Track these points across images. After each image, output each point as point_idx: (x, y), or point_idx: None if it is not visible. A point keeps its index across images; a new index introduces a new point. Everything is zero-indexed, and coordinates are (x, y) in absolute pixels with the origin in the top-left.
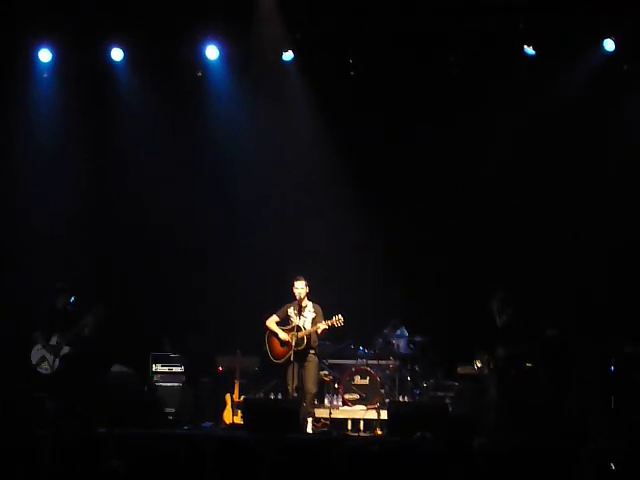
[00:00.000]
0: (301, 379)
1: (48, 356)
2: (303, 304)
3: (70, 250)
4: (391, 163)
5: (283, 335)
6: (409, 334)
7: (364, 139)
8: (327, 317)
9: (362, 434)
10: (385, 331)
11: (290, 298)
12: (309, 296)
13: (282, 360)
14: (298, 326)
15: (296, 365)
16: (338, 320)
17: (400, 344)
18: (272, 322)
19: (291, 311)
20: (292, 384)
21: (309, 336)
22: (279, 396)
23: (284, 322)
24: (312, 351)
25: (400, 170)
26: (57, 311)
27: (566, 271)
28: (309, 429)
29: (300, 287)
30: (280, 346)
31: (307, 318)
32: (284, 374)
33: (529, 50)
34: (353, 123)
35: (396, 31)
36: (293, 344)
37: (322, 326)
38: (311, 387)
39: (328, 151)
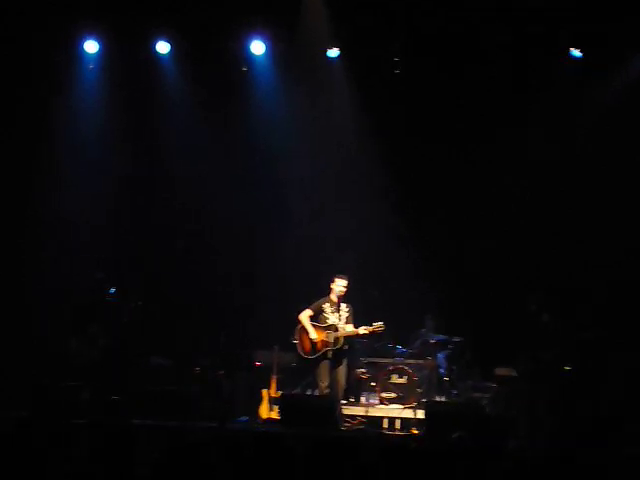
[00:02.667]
0: (334, 377)
1: (86, 346)
2: (340, 302)
3: (108, 245)
4: (431, 162)
5: (314, 335)
6: (448, 335)
7: (406, 138)
8: (365, 321)
9: (398, 433)
10: (423, 330)
11: (324, 293)
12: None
13: (313, 356)
14: (334, 325)
15: (329, 363)
16: (379, 327)
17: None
18: (306, 317)
19: (327, 307)
20: (325, 381)
21: (347, 337)
22: (316, 392)
23: (316, 317)
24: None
25: (440, 169)
26: (96, 301)
27: (602, 275)
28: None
29: (342, 285)
30: (309, 342)
31: (342, 317)
32: (314, 370)
33: (576, 52)
34: (395, 121)
35: (442, 31)
36: (332, 342)
37: (363, 330)
38: (344, 384)
39: (369, 149)
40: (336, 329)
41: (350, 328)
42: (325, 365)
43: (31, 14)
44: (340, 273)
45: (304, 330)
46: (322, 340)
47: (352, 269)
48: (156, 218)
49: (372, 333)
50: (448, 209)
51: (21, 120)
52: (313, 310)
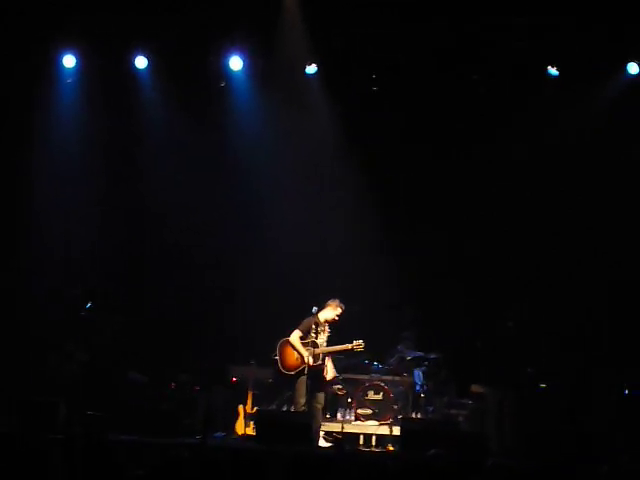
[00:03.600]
0: (313, 393)
1: (63, 361)
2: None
3: (88, 259)
4: (411, 178)
5: (306, 355)
6: (424, 352)
7: (385, 153)
8: (344, 337)
9: (374, 449)
10: (399, 347)
11: (303, 310)
12: None
13: (293, 372)
14: (315, 342)
15: (306, 380)
16: (359, 345)
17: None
18: (296, 338)
19: (313, 327)
20: (303, 398)
21: (326, 354)
22: (292, 409)
23: (304, 337)
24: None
25: (419, 184)
26: (75, 317)
27: (582, 294)
28: (322, 443)
29: (339, 312)
30: (295, 359)
31: (324, 336)
32: (294, 386)
33: (553, 71)
34: (374, 137)
35: (419, 47)
36: (310, 361)
37: (341, 348)
38: (322, 401)
39: (349, 164)
40: (315, 345)
41: (324, 344)
42: (303, 381)
43: (8, 29)
44: (341, 300)
45: (287, 347)
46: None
47: (328, 285)
48: (135, 233)
49: (351, 350)
50: (428, 224)
51: None
52: (302, 331)
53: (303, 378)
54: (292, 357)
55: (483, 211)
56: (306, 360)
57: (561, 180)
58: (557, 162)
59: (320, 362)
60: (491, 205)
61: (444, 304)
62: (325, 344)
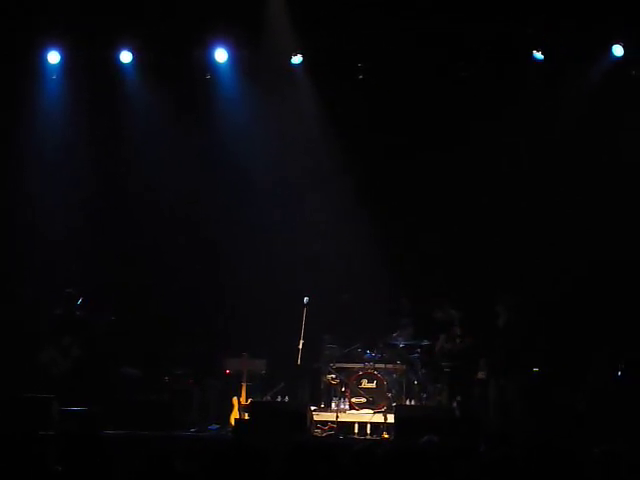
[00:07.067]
0: None
1: (58, 357)
2: None
3: (78, 254)
4: (397, 167)
5: None
6: (417, 338)
7: (371, 142)
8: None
9: (369, 438)
10: (394, 334)
11: (298, 302)
12: None
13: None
14: None
15: None
16: None
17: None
18: None
19: None
20: None
21: None
22: (286, 399)
23: None
24: None
25: (406, 174)
26: (67, 315)
27: (576, 276)
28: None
29: None
30: None
31: None
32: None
33: (538, 55)
34: (360, 126)
35: (404, 35)
36: None
37: None
38: None
39: (335, 154)
40: None
41: None
42: None
43: None
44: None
45: None
46: None
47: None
48: (124, 228)
49: None
50: (419, 212)
51: None
52: None
53: None
54: None
55: (473, 201)
56: None
57: (548, 165)
58: (544, 148)
59: None
60: (481, 194)
61: (436, 293)
62: None
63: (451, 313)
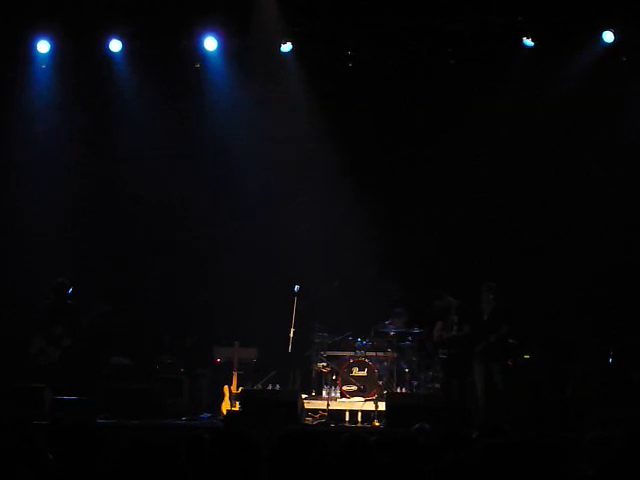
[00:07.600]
0: None
1: (48, 347)
2: None
3: (69, 245)
4: (387, 154)
5: None
6: (408, 327)
7: (361, 130)
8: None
9: (360, 425)
10: (387, 322)
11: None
12: None
13: None
14: None
15: None
16: None
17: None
18: None
19: None
20: None
21: None
22: (277, 387)
23: None
24: None
25: (397, 161)
26: (58, 304)
27: (566, 264)
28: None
29: None
30: None
31: None
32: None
33: (528, 42)
34: (350, 114)
35: (394, 23)
36: None
37: None
38: None
39: (325, 142)
40: None
41: None
42: None
43: None
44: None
45: None
46: None
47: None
48: (115, 217)
49: None
50: (410, 201)
51: None
52: None
53: None
54: None
55: (466, 188)
56: None
57: (539, 152)
58: (535, 134)
59: None
60: (473, 181)
61: (429, 283)
62: None
63: (449, 301)
